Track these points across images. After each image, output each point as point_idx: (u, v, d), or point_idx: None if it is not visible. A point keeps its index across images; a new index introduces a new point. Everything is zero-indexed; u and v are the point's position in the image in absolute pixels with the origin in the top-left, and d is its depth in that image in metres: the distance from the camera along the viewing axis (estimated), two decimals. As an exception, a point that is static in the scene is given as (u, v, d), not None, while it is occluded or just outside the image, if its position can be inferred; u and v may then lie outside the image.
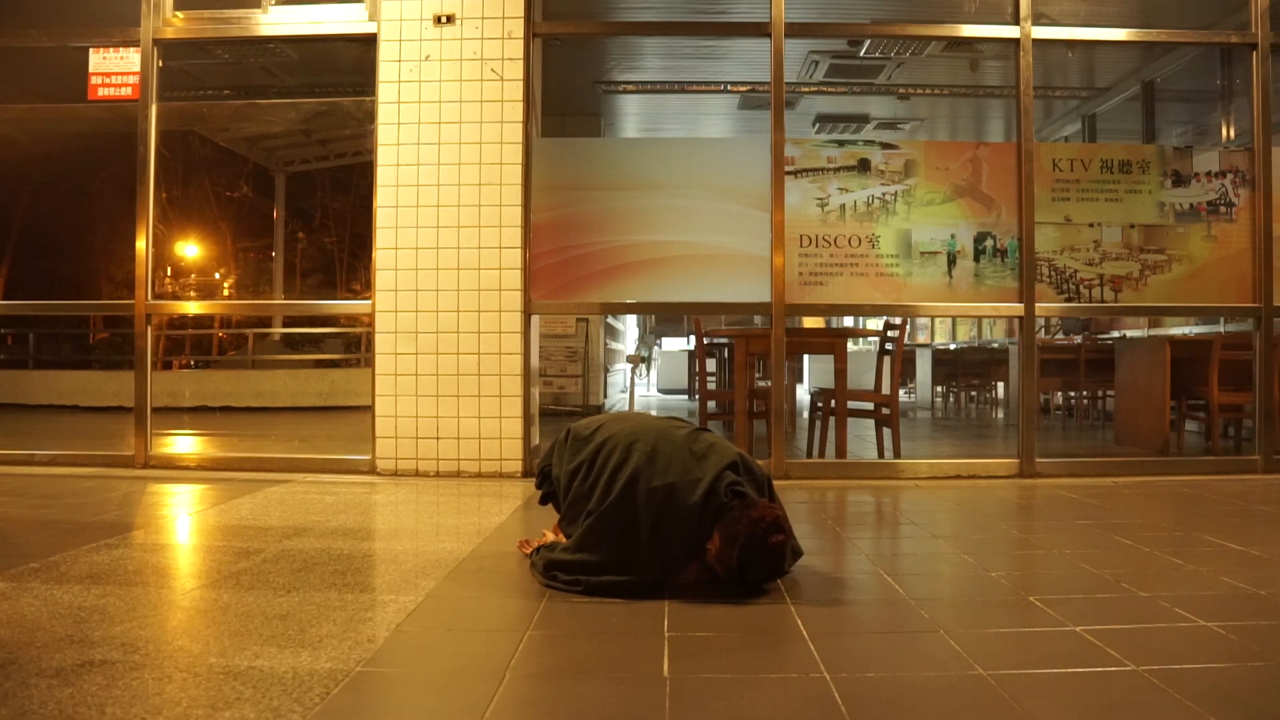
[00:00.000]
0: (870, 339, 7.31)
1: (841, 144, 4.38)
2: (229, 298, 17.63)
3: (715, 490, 2.10)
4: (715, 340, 6.90)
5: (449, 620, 1.96)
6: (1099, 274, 4.35)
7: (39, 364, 11.92)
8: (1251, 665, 1.66)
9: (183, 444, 5.84)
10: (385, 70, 4.23)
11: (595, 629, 1.89)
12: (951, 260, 4.32)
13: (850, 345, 6.04)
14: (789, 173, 4.29)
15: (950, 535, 2.96)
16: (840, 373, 4.61)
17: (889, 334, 4.92)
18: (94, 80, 4.55)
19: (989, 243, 4.32)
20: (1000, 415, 8.51)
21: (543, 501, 2.61)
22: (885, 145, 4.36)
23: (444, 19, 4.20)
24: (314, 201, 17.76)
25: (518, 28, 4.20)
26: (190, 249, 17.36)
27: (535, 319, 4.35)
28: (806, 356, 11.74)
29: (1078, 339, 8.01)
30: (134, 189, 4.44)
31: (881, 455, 4.71)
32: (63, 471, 4.28)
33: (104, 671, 1.58)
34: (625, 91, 7.55)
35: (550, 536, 2.48)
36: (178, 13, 4.52)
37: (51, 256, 15.77)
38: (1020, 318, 4.32)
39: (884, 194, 4.32)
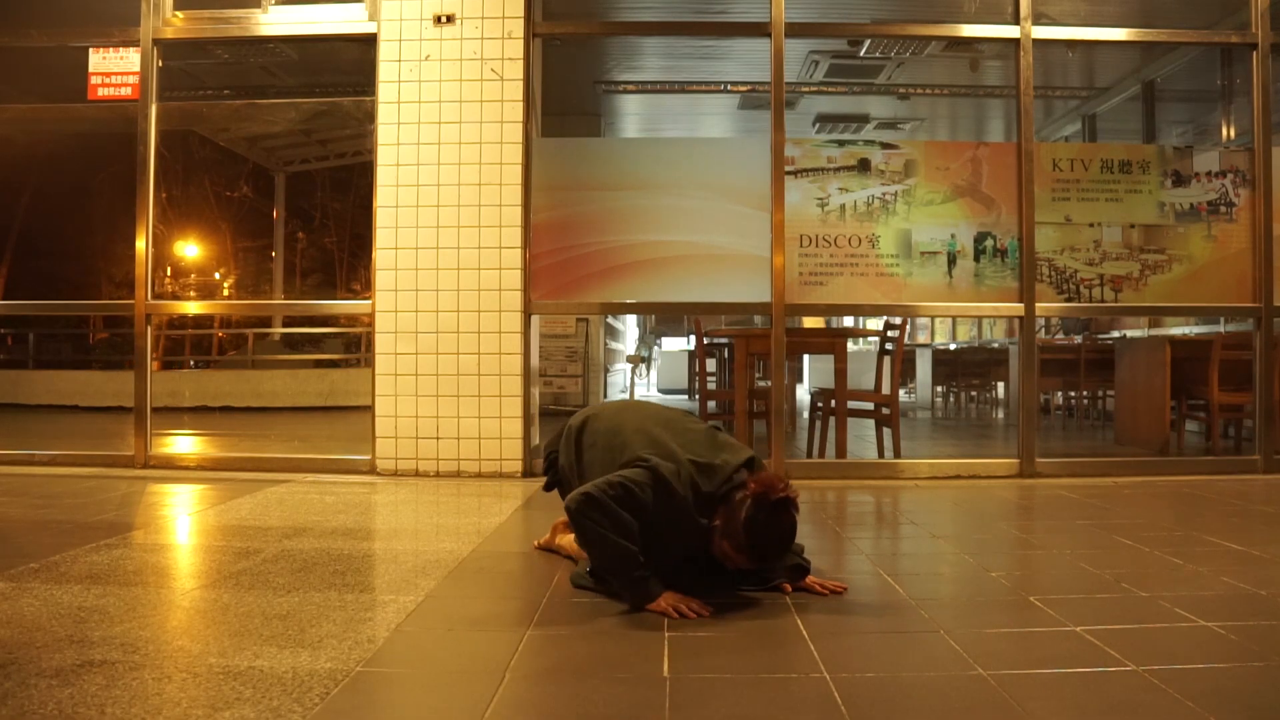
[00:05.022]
0: (870, 339, 7.31)
1: (841, 144, 4.38)
2: (229, 298, 17.62)
3: (726, 480, 2.10)
4: (715, 340, 6.90)
5: (449, 620, 1.96)
6: (1099, 274, 4.34)
7: (39, 364, 11.91)
8: (1252, 665, 1.66)
9: (183, 444, 5.84)
10: (385, 70, 4.22)
11: (595, 629, 1.88)
12: (951, 260, 4.32)
13: (850, 345, 6.03)
14: (789, 173, 4.28)
15: (950, 535, 2.96)
16: (840, 373, 4.61)
17: (889, 334, 4.92)
18: (94, 80, 4.55)
19: (989, 243, 4.32)
20: (1000, 415, 8.51)
21: (547, 488, 2.57)
22: (885, 145, 4.36)
23: (444, 19, 4.20)
24: (314, 201, 17.75)
25: (518, 28, 4.20)
26: (190, 249, 17.34)
27: (535, 319, 4.35)
28: (806, 356, 11.73)
29: (1078, 339, 8.01)
30: (134, 189, 4.44)
31: (881, 455, 4.71)
32: (63, 471, 4.28)
33: (104, 671, 1.58)
34: (625, 91, 7.54)
35: (560, 533, 2.50)
36: (178, 13, 4.51)
37: (51, 256, 15.76)
38: (1020, 318, 4.32)
39: (884, 194, 4.31)
